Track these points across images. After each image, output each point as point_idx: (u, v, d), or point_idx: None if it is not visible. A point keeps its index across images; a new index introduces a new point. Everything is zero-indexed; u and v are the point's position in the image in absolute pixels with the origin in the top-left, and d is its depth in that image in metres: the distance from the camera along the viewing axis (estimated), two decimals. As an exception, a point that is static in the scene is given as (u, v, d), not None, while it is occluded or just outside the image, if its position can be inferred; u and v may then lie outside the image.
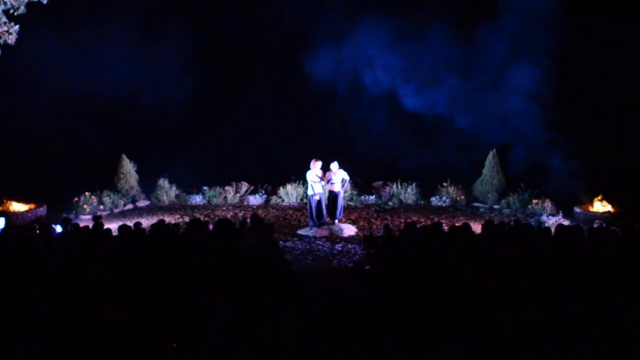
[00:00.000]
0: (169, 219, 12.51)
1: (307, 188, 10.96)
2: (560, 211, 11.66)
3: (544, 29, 13.99)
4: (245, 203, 14.52)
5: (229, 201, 14.56)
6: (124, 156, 14.60)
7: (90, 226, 8.05)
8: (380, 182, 14.85)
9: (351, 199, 14.16)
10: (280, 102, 19.44)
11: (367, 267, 6.63)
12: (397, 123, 17.88)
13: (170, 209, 13.95)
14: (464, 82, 15.60)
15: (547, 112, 14.16)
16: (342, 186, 11.27)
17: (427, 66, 15.79)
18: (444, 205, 13.96)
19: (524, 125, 14.14)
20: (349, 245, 10.03)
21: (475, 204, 13.85)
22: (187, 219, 12.42)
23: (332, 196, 11.19)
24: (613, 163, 14.55)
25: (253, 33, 18.70)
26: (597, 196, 11.90)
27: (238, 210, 13.60)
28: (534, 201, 12.34)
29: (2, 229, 8.18)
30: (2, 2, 8.93)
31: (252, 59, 19.54)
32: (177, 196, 14.69)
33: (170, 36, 17.10)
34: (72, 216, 11.76)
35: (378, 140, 18.27)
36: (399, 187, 14.56)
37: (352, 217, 12.64)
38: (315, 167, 10.78)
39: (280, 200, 14.57)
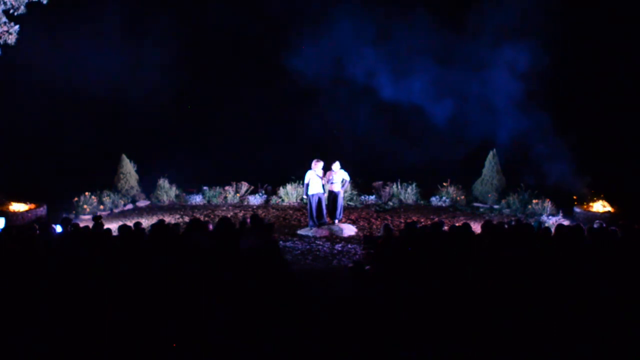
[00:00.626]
0: (169, 219, 12.51)
1: (307, 188, 10.93)
2: (560, 211, 11.64)
3: (544, 28, 14.01)
4: (245, 203, 14.51)
5: (229, 201, 14.55)
6: (124, 156, 14.59)
7: (90, 226, 8.06)
8: (380, 182, 14.83)
9: (351, 199, 14.15)
10: (280, 101, 19.43)
11: (367, 267, 6.63)
12: (396, 122, 17.86)
13: (170, 209, 13.94)
14: (463, 80, 15.58)
15: (547, 111, 14.15)
16: (342, 186, 11.27)
17: (426, 62, 15.73)
18: (444, 205, 13.95)
19: (523, 125, 14.13)
20: (349, 245, 10.02)
21: (475, 204, 13.84)
22: (187, 219, 12.41)
23: (332, 196, 11.17)
24: (613, 163, 14.54)
25: (249, 31, 18.67)
26: (597, 196, 11.90)
27: (238, 210, 13.60)
28: (534, 201, 12.34)
29: (2, 229, 8.18)
30: (2, 2, 8.93)
31: (250, 59, 19.53)
32: (177, 196, 14.67)
33: (168, 35, 17.10)
34: (72, 216, 11.76)
35: (378, 139, 18.25)
36: (399, 187, 14.55)
37: (352, 217, 12.63)
38: (317, 167, 10.75)
39: (280, 200, 14.56)
